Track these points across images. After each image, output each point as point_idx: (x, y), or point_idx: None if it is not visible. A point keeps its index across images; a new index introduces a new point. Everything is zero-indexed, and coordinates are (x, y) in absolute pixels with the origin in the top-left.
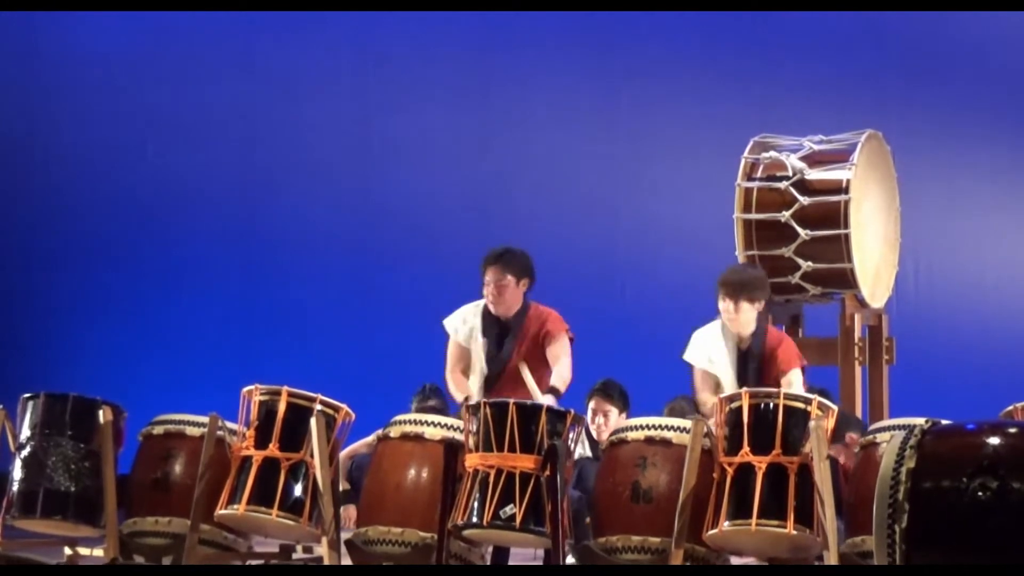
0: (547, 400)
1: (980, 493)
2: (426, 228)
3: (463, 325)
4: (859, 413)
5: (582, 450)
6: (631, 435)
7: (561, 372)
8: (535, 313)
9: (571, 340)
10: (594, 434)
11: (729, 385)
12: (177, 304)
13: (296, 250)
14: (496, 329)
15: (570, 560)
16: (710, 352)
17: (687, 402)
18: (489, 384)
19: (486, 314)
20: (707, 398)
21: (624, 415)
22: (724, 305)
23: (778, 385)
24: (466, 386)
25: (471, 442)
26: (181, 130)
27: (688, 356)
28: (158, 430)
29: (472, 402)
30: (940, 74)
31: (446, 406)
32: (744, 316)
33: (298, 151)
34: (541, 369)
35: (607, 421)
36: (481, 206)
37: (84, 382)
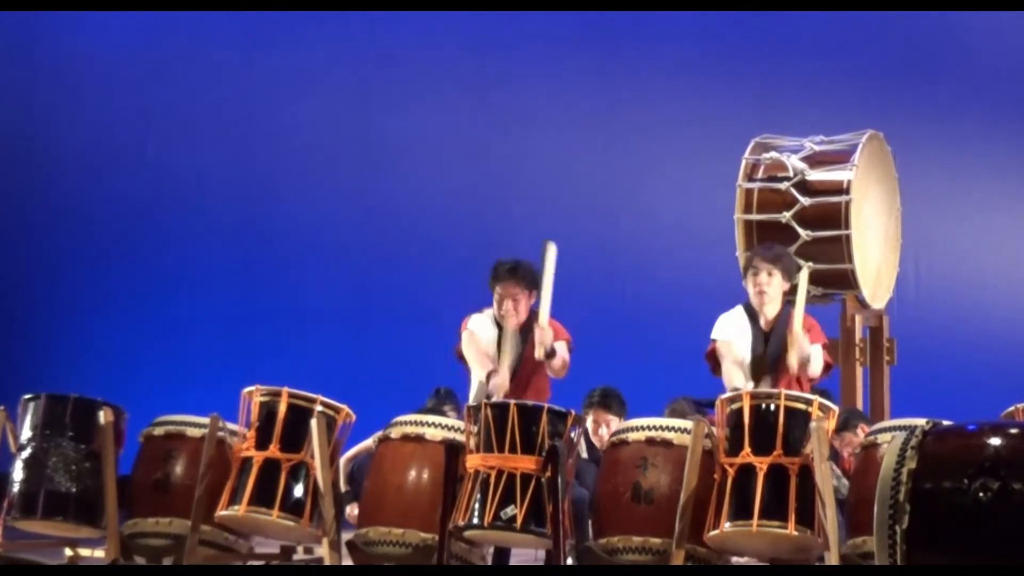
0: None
1: (981, 494)
2: (426, 228)
3: (485, 331)
4: None
5: (579, 451)
6: (632, 436)
7: (557, 366)
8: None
9: (569, 347)
10: (596, 443)
11: (748, 360)
12: (177, 305)
13: (296, 250)
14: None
15: (569, 561)
16: (736, 328)
17: (688, 403)
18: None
19: (498, 331)
20: (733, 372)
21: (623, 422)
22: (756, 279)
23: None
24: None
25: (472, 443)
26: (181, 129)
27: (714, 333)
28: (159, 431)
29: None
30: (941, 75)
31: (459, 409)
32: (774, 290)
33: (298, 150)
34: (544, 378)
35: (609, 431)
36: (481, 205)
37: (85, 383)
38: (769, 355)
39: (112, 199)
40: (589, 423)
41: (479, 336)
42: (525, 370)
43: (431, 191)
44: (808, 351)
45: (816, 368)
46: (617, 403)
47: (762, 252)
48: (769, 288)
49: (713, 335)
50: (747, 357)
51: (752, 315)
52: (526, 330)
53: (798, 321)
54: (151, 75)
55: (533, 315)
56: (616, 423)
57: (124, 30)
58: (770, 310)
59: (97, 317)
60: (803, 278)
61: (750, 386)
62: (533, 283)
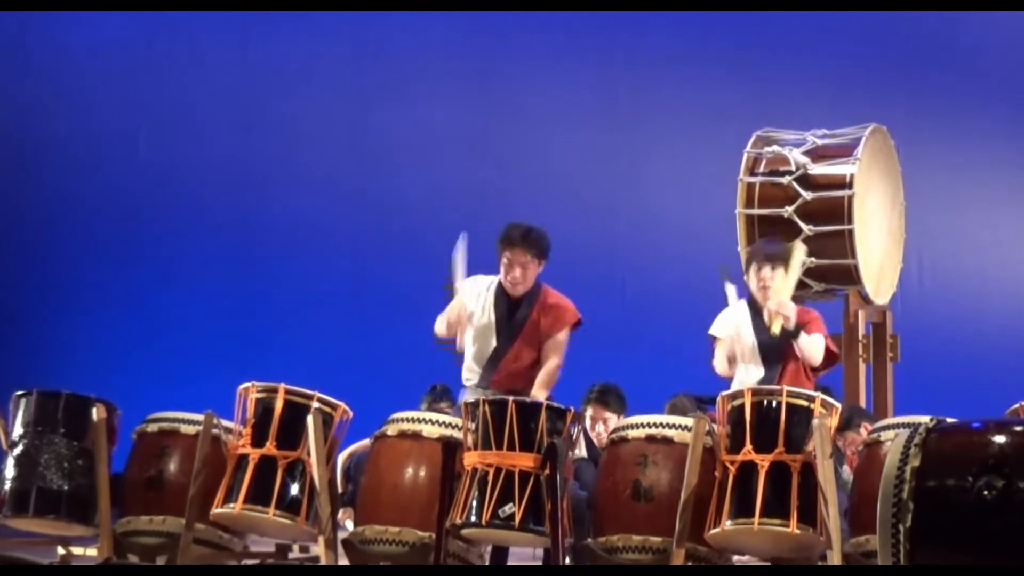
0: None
1: (985, 492)
2: (423, 223)
3: (478, 295)
4: None
5: (579, 451)
6: (632, 433)
7: (547, 373)
8: (547, 299)
9: (578, 324)
10: (594, 440)
11: (750, 356)
12: (172, 300)
13: (292, 246)
14: (506, 307)
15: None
16: (734, 322)
17: (688, 399)
18: (491, 363)
19: (499, 291)
20: (723, 366)
21: (622, 419)
22: (759, 274)
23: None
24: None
25: (470, 440)
26: (174, 124)
27: (714, 329)
28: (152, 428)
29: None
30: (945, 68)
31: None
32: (778, 283)
33: (293, 145)
34: (538, 354)
35: (606, 427)
36: (479, 201)
37: (77, 379)
38: (777, 344)
39: (104, 194)
40: (587, 419)
41: (465, 297)
42: (517, 345)
43: (427, 185)
44: (791, 314)
45: (814, 355)
46: (615, 400)
47: (764, 246)
48: (772, 282)
49: (711, 331)
50: (754, 347)
51: (755, 308)
52: (526, 301)
53: (787, 292)
54: (143, 70)
55: (537, 286)
56: (614, 420)
57: (115, 25)
58: (773, 304)
59: (89, 313)
60: (797, 254)
61: (752, 372)
62: (542, 252)
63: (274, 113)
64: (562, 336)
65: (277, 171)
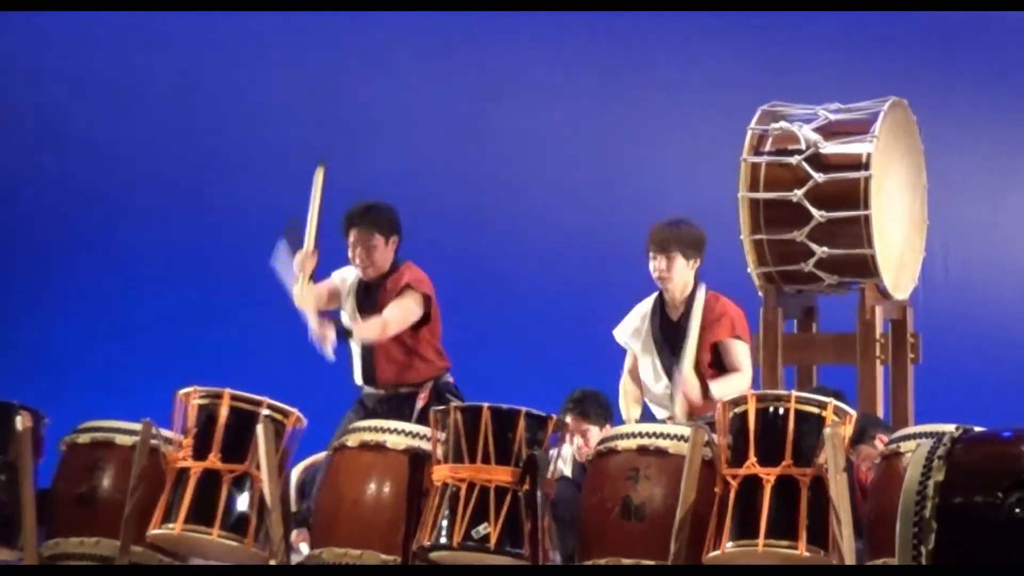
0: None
1: (1017, 509)
2: (404, 210)
3: (342, 283)
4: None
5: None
6: (622, 444)
7: (387, 312)
8: (400, 278)
9: (426, 297)
10: (575, 455)
11: (646, 363)
12: (108, 296)
13: (249, 236)
14: (364, 296)
15: None
16: (632, 325)
17: None
18: (366, 365)
19: (357, 285)
20: (629, 386)
21: (608, 428)
22: (653, 263)
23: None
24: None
25: (439, 452)
26: (120, 99)
27: (616, 330)
28: (83, 438)
29: None
30: (971, 37)
31: None
32: (678, 274)
33: (255, 124)
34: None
35: (587, 441)
36: (466, 185)
37: None
38: (671, 350)
39: (41, 178)
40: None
41: (331, 281)
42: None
43: (406, 168)
44: (695, 394)
45: (737, 390)
46: (596, 409)
47: (656, 232)
48: (671, 272)
49: (614, 331)
50: (653, 357)
51: (662, 300)
52: (378, 286)
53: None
54: (85, 38)
55: (395, 267)
56: (595, 432)
57: None
58: (677, 292)
59: (12, 309)
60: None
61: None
62: (389, 228)
63: (233, 88)
64: (407, 293)
65: (236, 152)
